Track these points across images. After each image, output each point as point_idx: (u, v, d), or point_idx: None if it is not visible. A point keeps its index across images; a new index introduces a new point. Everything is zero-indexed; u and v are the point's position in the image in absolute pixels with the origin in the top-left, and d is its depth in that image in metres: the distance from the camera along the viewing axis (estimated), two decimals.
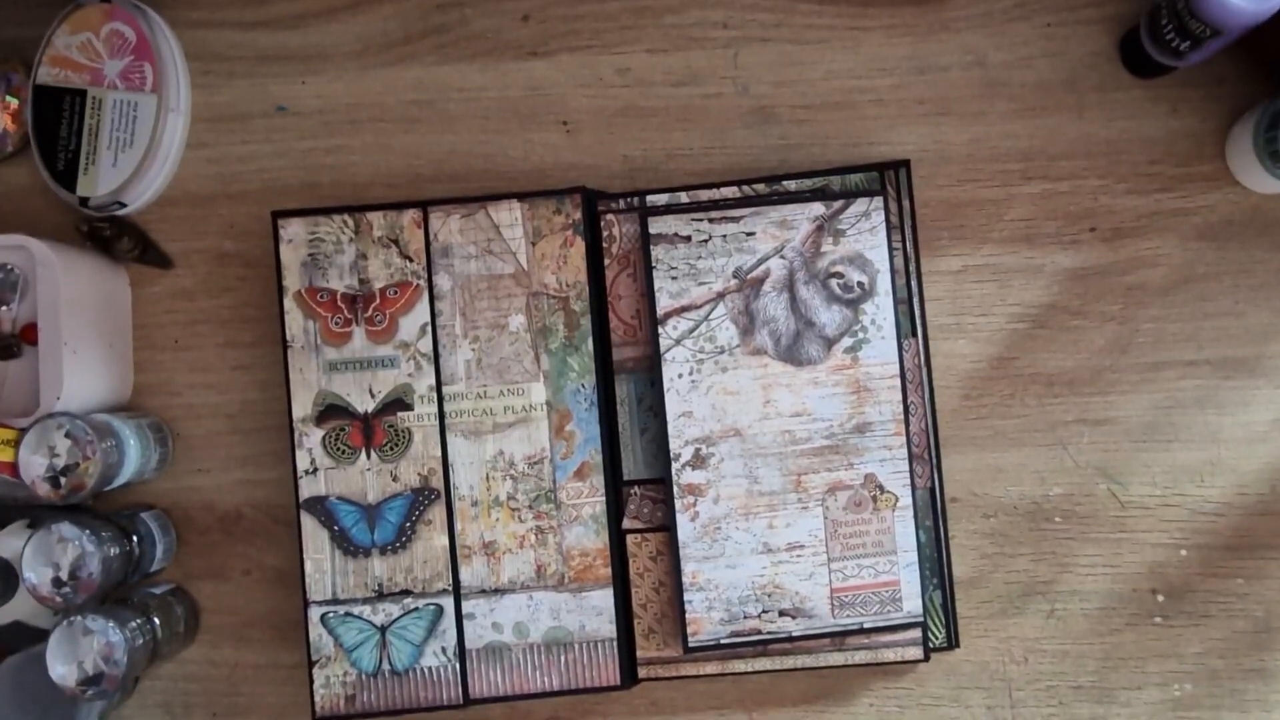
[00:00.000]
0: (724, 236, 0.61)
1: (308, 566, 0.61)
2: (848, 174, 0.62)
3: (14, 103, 0.67)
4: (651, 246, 0.61)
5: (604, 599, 0.61)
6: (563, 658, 0.61)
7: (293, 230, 0.62)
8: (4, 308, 0.63)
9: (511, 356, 0.62)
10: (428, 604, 0.61)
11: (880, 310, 0.61)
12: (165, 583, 0.65)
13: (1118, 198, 0.65)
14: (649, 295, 0.61)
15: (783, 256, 0.61)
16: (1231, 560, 0.63)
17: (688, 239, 0.61)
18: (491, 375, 0.62)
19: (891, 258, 0.61)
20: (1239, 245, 0.65)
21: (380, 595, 0.61)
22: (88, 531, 0.59)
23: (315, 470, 0.61)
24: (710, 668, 0.62)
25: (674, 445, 0.61)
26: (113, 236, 0.65)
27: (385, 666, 0.61)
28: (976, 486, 0.64)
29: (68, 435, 0.59)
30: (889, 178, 0.62)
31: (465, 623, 0.61)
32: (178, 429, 0.66)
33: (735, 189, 0.62)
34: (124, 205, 0.66)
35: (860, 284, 0.61)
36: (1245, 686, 0.63)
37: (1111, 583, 0.64)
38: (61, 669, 0.58)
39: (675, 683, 0.64)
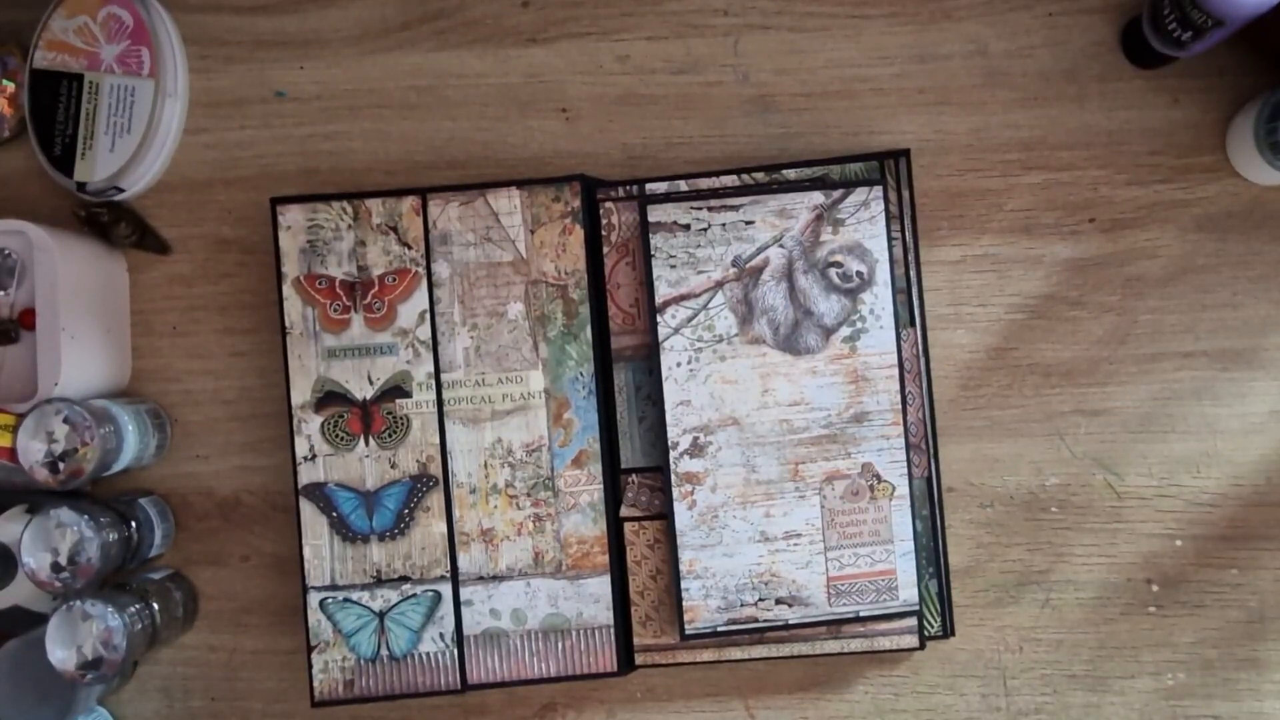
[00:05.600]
0: (723, 225, 0.61)
1: (306, 552, 0.61)
2: (847, 163, 0.62)
3: (10, 86, 0.66)
4: (650, 235, 0.61)
5: (601, 586, 0.61)
6: (560, 644, 0.61)
7: (291, 217, 0.62)
8: (2, 293, 0.63)
9: (510, 344, 0.62)
10: (426, 590, 0.61)
11: (879, 300, 0.61)
12: (164, 568, 0.65)
13: (1118, 188, 0.65)
14: (648, 284, 0.61)
15: (782, 245, 0.61)
16: (1226, 551, 0.64)
17: (687, 227, 0.61)
18: (490, 363, 0.62)
19: (890, 247, 0.61)
20: (1238, 237, 0.65)
21: (379, 581, 0.61)
22: (86, 517, 0.59)
23: (314, 457, 0.61)
24: (707, 655, 0.62)
25: (672, 434, 0.61)
26: (110, 222, 0.65)
27: (384, 652, 0.61)
28: (973, 476, 0.65)
29: (66, 421, 0.59)
30: (889, 167, 0.62)
31: (463, 609, 0.61)
32: (176, 415, 0.66)
33: (734, 177, 0.62)
34: (121, 190, 0.66)
35: (859, 273, 0.61)
36: (1238, 676, 0.63)
37: (1107, 572, 0.64)
38: (60, 653, 0.58)
39: (672, 670, 0.65)
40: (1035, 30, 0.65)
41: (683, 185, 0.62)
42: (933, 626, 0.62)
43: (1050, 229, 0.65)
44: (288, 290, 0.62)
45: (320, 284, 0.62)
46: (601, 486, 0.61)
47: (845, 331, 0.61)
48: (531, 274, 0.62)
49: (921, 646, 0.62)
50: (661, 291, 0.61)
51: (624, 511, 0.63)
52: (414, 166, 0.66)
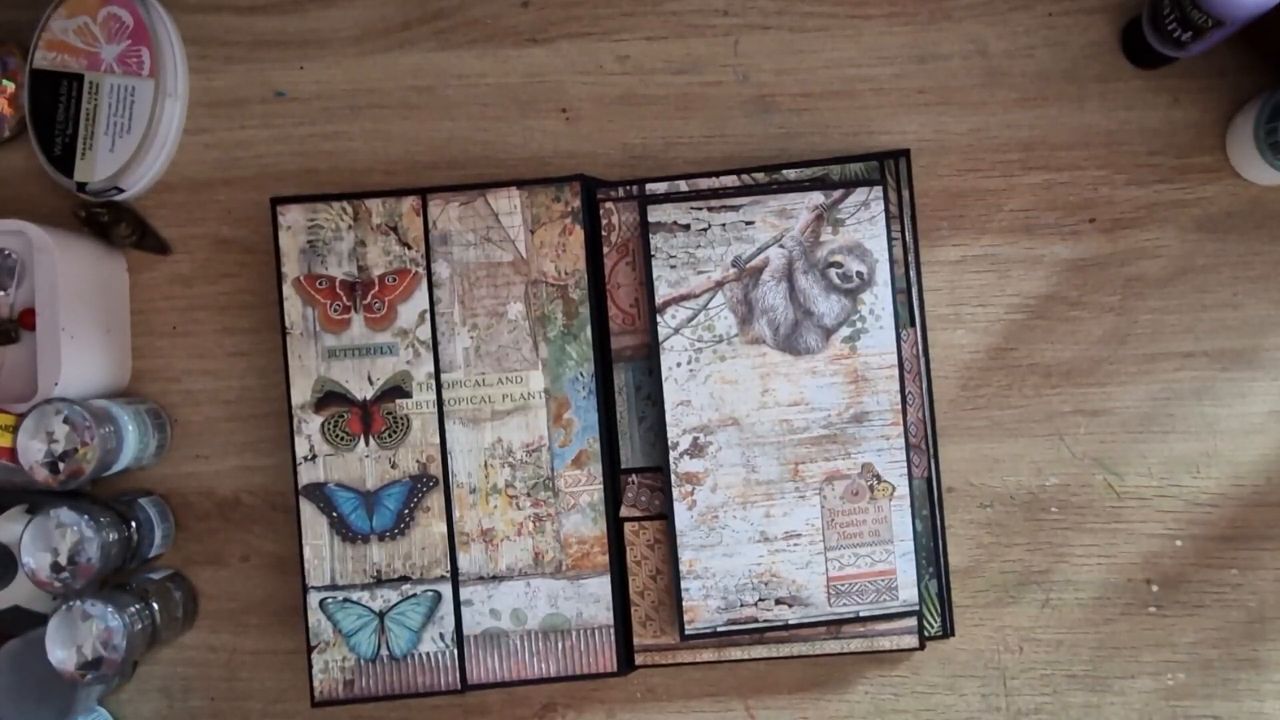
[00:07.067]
0: (723, 225, 0.61)
1: (306, 552, 0.61)
2: (847, 163, 0.62)
3: (10, 86, 0.66)
4: (650, 235, 0.61)
5: (601, 586, 0.61)
6: (560, 644, 0.61)
7: (291, 217, 0.62)
8: (1, 293, 0.63)
9: (510, 344, 0.62)
10: (426, 590, 0.61)
11: (879, 300, 0.61)
12: (164, 568, 0.65)
13: (1117, 189, 0.65)
14: (648, 284, 0.61)
15: (782, 245, 0.61)
16: (1226, 551, 0.64)
17: (687, 227, 0.61)
18: (490, 363, 0.62)
19: (890, 247, 0.61)
20: (1238, 237, 0.65)
21: (379, 581, 0.61)
22: (86, 517, 0.59)
23: (314, 457, 0.61)
24: (707, 655, 0.62)
25: (672, 434, 0.61)
26: (110, 222, 0.65)
27: (384, 652, 0.61)
28: (973, 476, 0.65)
29: (66, 421, 0.59)
30: (889, 167, 0.62)
31: (463, 609, 0.61)
32: (176, 415, 0.66)
33: (735, 177, 0.62)
34: (121, 190, 0.66)
35: (859, 274, 0.61)
36: (1238, 676, 0.63)
37: (1106, 573, 0.64)
38: (60, 653, 0.58)
39: (671, 670, 0.65)
40: (1035, 30, 0.65)
41: (683, 185, 0.62)
42: (933, 627, 0.62)
43: (1050, 229, 0.65)
44: (288, 290, 0.62)
45: (320, 284, 0.62)
46: (601, 486, 0.61)
47: (845, 331, 0.61)
48: (531, 274, 0.62)
49: (921, 647, 0.62)
50: (661, 291, 0.61)
51: (624, 511, 0.63)
52: (414, 166, 0.66)
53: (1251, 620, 0.63)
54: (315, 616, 0.61)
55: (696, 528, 0.61)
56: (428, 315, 0.62)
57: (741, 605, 0.61)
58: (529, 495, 0.61)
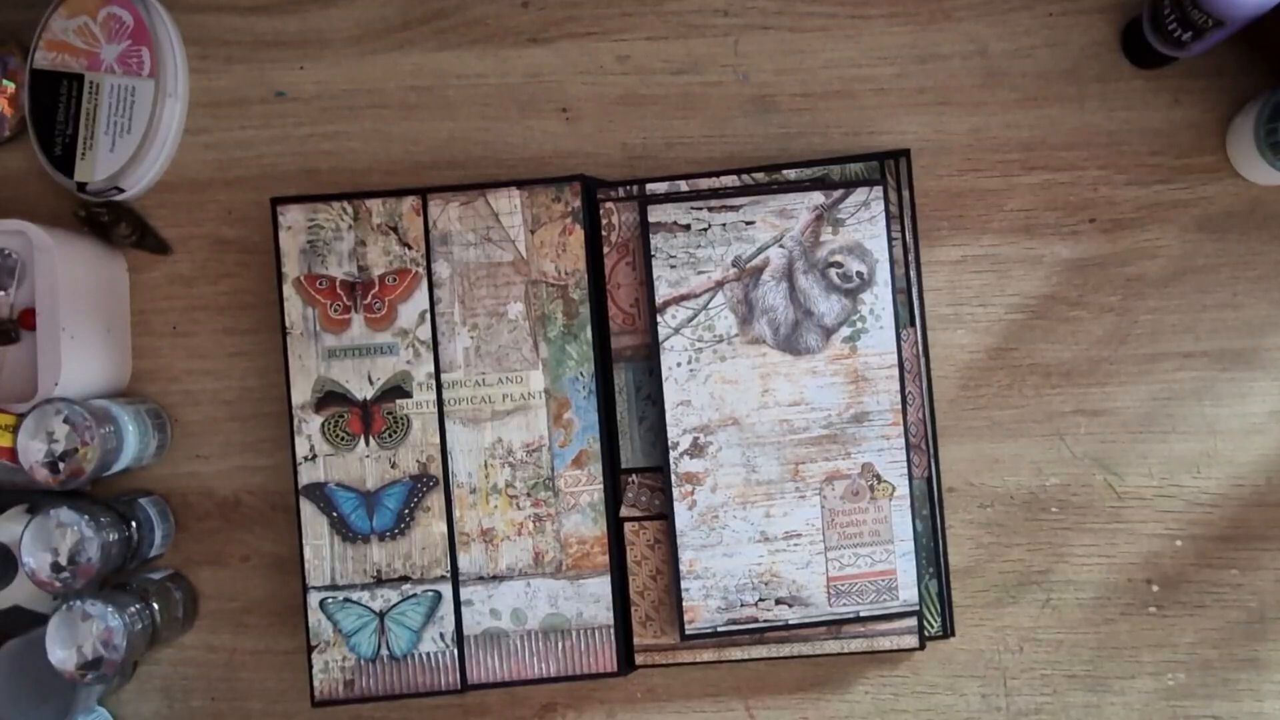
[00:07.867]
0: (723, 225, 0.61)
1: (307, 552, 0.61)
2: (847, 163, 0.62)
3: (11, 86, 0.66)
4: (650, 235, 0.61)
5: (601, 586, 0.61)
6: (560, 644, 0.61)
7: (292, 217, 0.62)
8: (2, 293, 0.63)
9: (510, 344, 0.62)
10: (426, 590, 0.61)
11: (879, 300, 0.61)
12: (164, 568, 0.65)
13: (1118, 189, 0.65)
14: (648, 284, 0.61)
15: (782, 245, 0.61)
16: (1226, 551, 0.64)
17: (687, 227, 0.61)
18: (490, 363, 0.62)
19: (890, 247, 0.61)
20: (1238, 237, 0.65)
21: (379, 581, 0.61)
22: (86, 517, 0.59)
23: (314, 457, 0.61)
24: (707, 655, 0.62)
25: (672, 434, 0.61)
26: (110, 222, 0.65)
27: (384, 652, 0.61)
28: (973, 476, 0.65)
29: (66, 421, 0.59)
30: (889, 167, 0.62)
31: (463, 609, 0.61)
32: (176, 415, 0.66)
33: (735, 177, 0.62)
34: (121, 190, 0.66)
35: (859, 274, 0.61)
36: (1238, 676, 0.63)
37: (1106, 573, 0.64)
38: (61, 653, 0.58)
39: (672, 670, 0.65)
40: (1035, 30, 0.65)
41: (683, 185, 0.62)
42: (933, 627, 0.62)
43: (1050, 229, 0.65)
44: (288, 290, 0.62)
45: (320, 284, 0.62)
46: (601, 486, 0.61)
47: (845, 331, 0.61)
48: (531, 274, 0.62)
49: (921, 647, 0.62)
50: (661, 291, 0.61)
51: (624, 511, 0.63)
52: (414, 166, 0.66)
53: (1251, 620, 0.63)
54: (315, 616, 0.61)
55: (696, 528, 0.61)
56: (428, 315, 0.62)
57: (741, 605, 0.61)
58: (529, 495, 0.61)
